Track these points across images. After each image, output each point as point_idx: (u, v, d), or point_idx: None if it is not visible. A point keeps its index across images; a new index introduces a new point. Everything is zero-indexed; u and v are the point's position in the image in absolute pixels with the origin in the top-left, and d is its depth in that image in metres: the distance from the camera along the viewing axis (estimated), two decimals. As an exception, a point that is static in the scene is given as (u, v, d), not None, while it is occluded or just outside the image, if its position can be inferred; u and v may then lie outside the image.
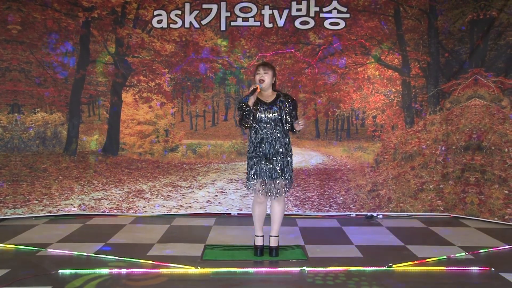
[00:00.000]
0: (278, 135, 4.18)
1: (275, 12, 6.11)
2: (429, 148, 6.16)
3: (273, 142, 4.17)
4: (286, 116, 4.19)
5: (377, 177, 6.24)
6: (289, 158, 4.23)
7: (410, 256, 4.38)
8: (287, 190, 4.26)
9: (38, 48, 6.00)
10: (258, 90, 4.15)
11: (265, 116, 4.16)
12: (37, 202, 5.98)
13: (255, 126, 4.19)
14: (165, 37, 6.19)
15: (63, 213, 6.00)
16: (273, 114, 4.17)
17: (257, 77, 4.18)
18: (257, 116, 4.16)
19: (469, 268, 4.03)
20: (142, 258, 4.25)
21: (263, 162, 4.16)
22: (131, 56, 6.21)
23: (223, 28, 6.15)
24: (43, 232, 5.22)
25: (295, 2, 6.09)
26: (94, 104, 6.33)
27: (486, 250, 4.57)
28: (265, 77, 4.17)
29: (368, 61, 6.25)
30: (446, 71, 6.16)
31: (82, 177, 6.20)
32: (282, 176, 4.17)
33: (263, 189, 4.20)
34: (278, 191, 4.19)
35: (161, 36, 6.19)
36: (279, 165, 4.17)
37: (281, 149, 4.18)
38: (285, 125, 4.19)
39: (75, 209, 6.06)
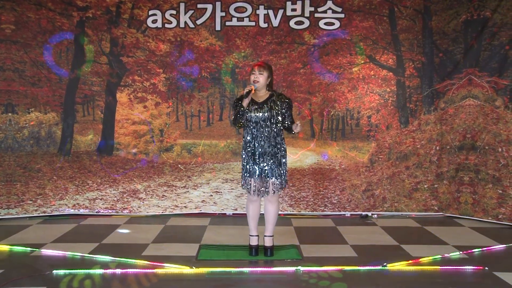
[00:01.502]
0: (268, 134, 4.18)
1: (270, 12, 6.11)
2: (423, 148, 6.17)
3: (262, 141, 4.18)
4: (277, 116, 4.18)
5: (371, 177, 6.24)
6: (281, 158, 4.22)
7: (404, 255, 4.39)
8: (279, 190, 4.25)
9: (32, 48, 5.98)
10: (253, 92, 4.15)
11: (255, 116, 4.17)
12: (31, 202, 5.95)
13: (246, 125, 4.20)
14: (160, 37, 6.17)
15: (57, 213, 5.98)
16: (263, 114, 4.16)
17: (252, 77, 4.18)
18: (247, 115, 4.17)
19: (463, 267, 4.04)
20: (137, 258, 4.24)
21: (252, 161, 4.18)
22: (125, 56, 6.19)
23: (218, 28, 6.14)
24: (37, 233, 5.20)
25: (290, 2, 6.09)
26: (88, 104, 6.30)
27: (480, 249, 4.58)
28: (260, 78, 4.17)
29: (362, 61, 6.26)
30: (440, 71, 6.17)
31: (76, 177, 6.18)
32: (272, 175, 4.17)
33: (254, 188, 4.21)
34: (267, 190, 4.20)
35: (156, 36, 6.17)
36: (269, 164, 4.17)
37: (270, 149, 4.18)
38: (275, 125, 4.19)
39: (69, 209, 6.04)
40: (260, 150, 4.17)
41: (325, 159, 6.25)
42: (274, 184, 4.19)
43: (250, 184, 4.22)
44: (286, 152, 4.28)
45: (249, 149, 4.20)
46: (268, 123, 4.17)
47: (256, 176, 4.19)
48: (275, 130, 4.19)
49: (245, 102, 4.11)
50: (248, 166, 4.21)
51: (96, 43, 6.14)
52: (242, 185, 4.30)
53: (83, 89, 6.21)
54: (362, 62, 6.27)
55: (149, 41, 6.17)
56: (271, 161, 4.18)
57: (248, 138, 4.20)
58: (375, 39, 6.20)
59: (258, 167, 4.18)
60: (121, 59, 6.19)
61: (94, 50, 6.14)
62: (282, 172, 4.22)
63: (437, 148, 6.12)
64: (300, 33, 6.18)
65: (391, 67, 6.26)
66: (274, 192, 4.21)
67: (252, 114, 4.17)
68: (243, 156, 4.25)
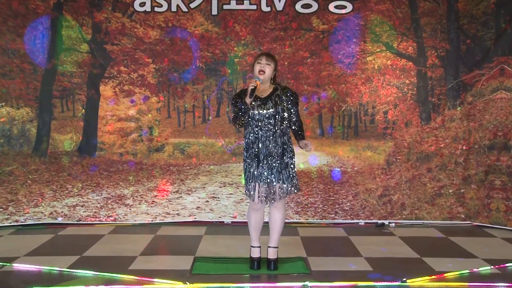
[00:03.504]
0: (273, 133, 4.16)
1: (274, -6, 6.10)
2: (448, 148, 6.16)
3: (267, 141, 4.16)
4: (283, 113, 4.17)
5: (388, 181, 6.23)
6: (287, 160, 4.20)
7: (426, 269, 4.37)
8: (286, 195, 4.22)
9: (2, 34, 5.98)
10: (258, 87, 4.12)
11: (258, 113, 4.15)
12: (1, 210, 5.96)
13: (248, 124, 4.17)
14: (148, 22, 6.17)
15: (31, 222, 5.96)
16: (267, 110, 4.15)
17: (258, 67, 4.16)
18: (249, 112, 4.14)
19: (494, 284, 4.00)
20: (123, 272, 4.21)
21: (255, 164, 4.15)
22: (110, 43, 6.18)
23: (214, 12, 6.12)
24: (9, 244, 5.20)
25: (296, -18, 6.09)
26: (68, 98, 6.30)
27: (514, 263, 4.57)
28: (266, 69, 4.16)
29: (378, 50, 6.22)
30: (467, 60, 6.16)
31: (54, 181, 6.17)
32: (278, 180, 4.13)
33: (259, 194, 4.17)
34: (274, 196, 4.16)
35: (144, 21, 6.17)
36: (274, 167, 4.14)
37: (275, 150, 4.15)
38: (280, 123, 4.16)
39: (45, 217, 6.01)
40: (264, 151, 4.15)
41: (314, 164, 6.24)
42: (282, 189, 4.16)
43: (254, 190, 4.17)
44: (294, 153, 4.26)
45: (251, 151, 4.17)
46: (273, 120, 4.15)
47: (261, 181, 4.14)
48: (281, 128, 4.17)
49: (249, 100, 4.07)
50: (251, 170, 4.17)
51: (76, 28, 6.13)
52: (246, 192, 4.26)
53: (61, 81, 6.20)
54: (378, 50, 6.27)
55: (137, 26, 6.16)
56: (276, 163, 4.14)
57: (251, 138, 4.18)
58: (393, 24, 6.19)
59: (263, 170, 4.14)
60: (105, 47, 6.19)
61: (74, 37, 6.11)
62: (290, 174, 4.18)
63: (464, 148, 6.10)
64: (308, 17, 6.16)
65: (411, 56, 6.25)
66: (280, 198, 4.17)
67: (255, 111, 4.15)
68: (246, 159, 4.22)
